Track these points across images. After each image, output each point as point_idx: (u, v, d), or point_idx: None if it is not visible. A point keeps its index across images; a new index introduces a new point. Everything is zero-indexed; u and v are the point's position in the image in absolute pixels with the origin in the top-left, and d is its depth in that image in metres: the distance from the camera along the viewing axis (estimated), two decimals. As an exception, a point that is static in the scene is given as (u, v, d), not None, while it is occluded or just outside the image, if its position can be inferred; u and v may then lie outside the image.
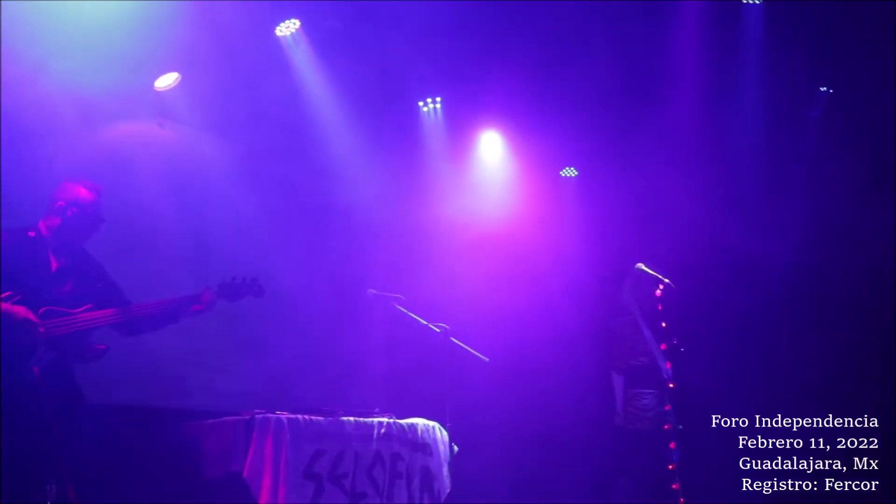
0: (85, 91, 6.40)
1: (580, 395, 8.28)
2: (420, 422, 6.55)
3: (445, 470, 6.47)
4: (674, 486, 6.15)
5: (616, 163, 9.14)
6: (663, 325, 6.42)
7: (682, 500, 6.11)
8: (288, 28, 7.58)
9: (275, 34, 7.59)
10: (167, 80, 7.08)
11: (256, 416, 5.72)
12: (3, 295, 4.76)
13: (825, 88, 8.81)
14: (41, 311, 4.80)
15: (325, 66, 7.78)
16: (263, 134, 7.65)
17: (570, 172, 9.75)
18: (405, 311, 6.28)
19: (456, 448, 6.49)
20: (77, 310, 4.93)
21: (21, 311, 4.75)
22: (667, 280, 6.48)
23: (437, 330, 6.42)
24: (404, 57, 7.81)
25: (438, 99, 8.94)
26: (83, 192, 5.15)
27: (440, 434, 6.59)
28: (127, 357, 6.63)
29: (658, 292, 6.51)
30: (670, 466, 6.22)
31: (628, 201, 9.07)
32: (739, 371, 8.41)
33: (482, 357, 6.59)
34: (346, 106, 8.03)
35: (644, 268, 6.62)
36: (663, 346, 6.40)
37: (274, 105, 7.54)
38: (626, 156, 9.01)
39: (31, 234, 5.03)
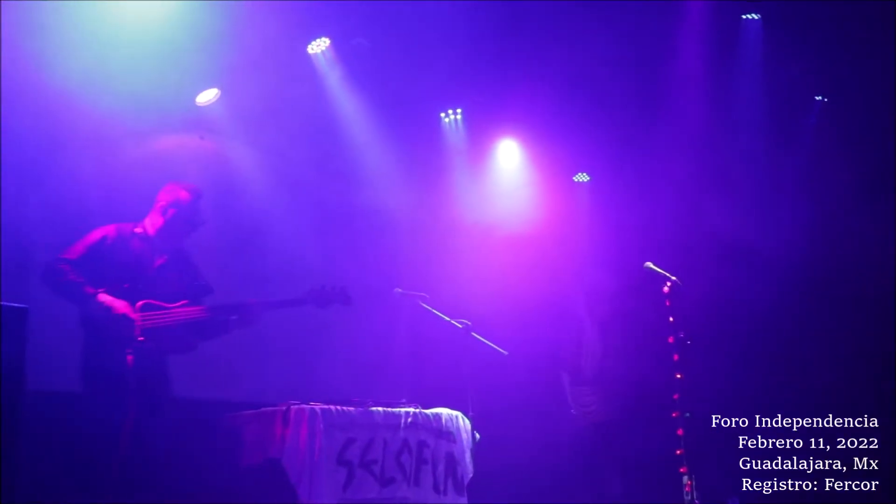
0: (134, 107, 6.49)
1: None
2: (444, 411, 6.54)
3: (468, 456, 6.47)
4: (681, 470, 6.15)
5: (626, 168, 9.13)
6: (671, 319, 6.42)
7: (689, 482, 6.10)
8: (319, 46, 7.66)
9: (307, 52, 7.66)
10: (208, 96, 7.17)
11: (292, 406, 5.77)
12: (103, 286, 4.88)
13: (820, 97, 8.80)
14: (141, 303, 4.90)
15: (353, 80, 7.84)
16: (296, 144, 7.71)
17: (582, 178, 9.75)
18: (429, 308, 6.32)
19: (478, 436, 6.49)
20: (173, 304, 5.03)
21: (121, 302, 4.84)
22: (674, 278, 6.49)
23: (460, 326, 6.46)
24: (427, 71, 7.88)
25: (459, 110, 8.98)
26: (182, 194, 5.30)
27: (463, 422, 6.58)
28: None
29: (666, 289, 6.51)
30: (678, 451, 6.22)
31: (638, 204, 9.06)
32: (740, 370, 8.39)
33: (502, 351, 6.62)
34: (373, 117, 8.09)
35: (652, 266, 6.63)
36: (671, 339, 6.40)
37: (305, 117, 7.62)
38: (636, 161, 9.01)
39: (138, 230, 5.16)
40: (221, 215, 7.30)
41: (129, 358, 4.79)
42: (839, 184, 8.63)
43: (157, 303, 5.00)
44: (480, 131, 9.06)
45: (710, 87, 8.65)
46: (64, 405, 5.71)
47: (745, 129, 8.87)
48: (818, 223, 8.57)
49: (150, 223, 5.28)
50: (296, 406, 5.78)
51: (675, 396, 6.25)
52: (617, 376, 7.69)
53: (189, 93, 7.07)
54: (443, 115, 9.01)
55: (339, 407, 5.94)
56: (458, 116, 9.00)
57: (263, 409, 5.96)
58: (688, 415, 6.20)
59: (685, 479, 6.10)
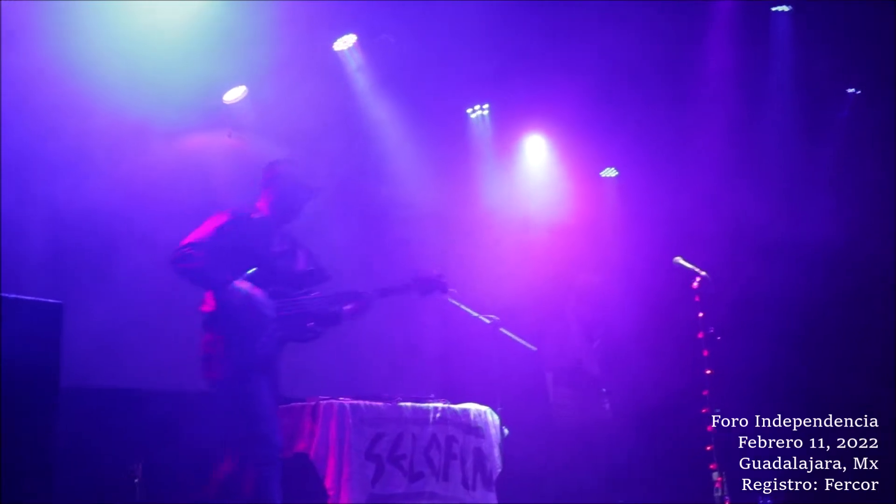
0: (161, 106, 6.58)
1: (623, 387, 8.25)
2: (472, 406, 6.57)
3: (496, 451, 6.49)
4: (711, 467, 6.16)
5: (654, 162, 9.11)
6: (700, 314, 6.42)
7: (719, 478, 6.11)
8: (345, 42, 7.69)
9: (332, 48, 7.70)
10: (235, 94, 7.22)
11: (321, 401, 5.83)
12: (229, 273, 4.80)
13: (853, 90, 8.74)
14: (269, 290, 4.85)
15: (379, 76, 7.88)
16: (322, 140, 7.74)
17: (610, 173, 9.76)
18: (458, 303, 6.35)
19: (506, 431, 6.51)
20: (296, 292, 5.02)
21: (258, 290, 4.77)
22: (703, 273, 6.50)
23: (488, 321, 6.47)
24: (453, 66, 7.89)
25: (486, 105, 8.99)
26: (279, 165, 5.22)
27: (491, 418, 6.60)
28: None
29: (695, 284, 6.53)
30: (708, 447, 6.23)
31: (667, 199, 9.05)
32: (766, 368, 8.38)
33: (530, 346, 6.64)
34: (400, 113, 8.14)
35: (682, 261, 6.64)
36: (700, 335, 6.40)
37: (332, 114, 7.64)
38: (664, 156, 8.98)
39: (255, 215, 5.08)
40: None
41: (263, 348, 4.83)
42: (872, 178, 8.56)
43: (283, 289, 4.95)
44: (507, 126, 9.06)
45: (740, 81, 8.61)
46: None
47: (776, 122, 8.81)
48: (849, 218, 8.50)
49: (263, 204, 5.16)
50: (325, 401, 5.84)
51: (705, 392, 6.26)
52: (595, 381, 7.72)
53: (217, 91, 7.15)
54: (469, 110, 9.02)
55: (368, 402, 6.00)
56: (486, 112, 9.01)
57: (292, 403, 6.02)
58: (718, 411, 6.21)
59: (715, 475, 6.11)
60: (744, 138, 8.84)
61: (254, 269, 4.87)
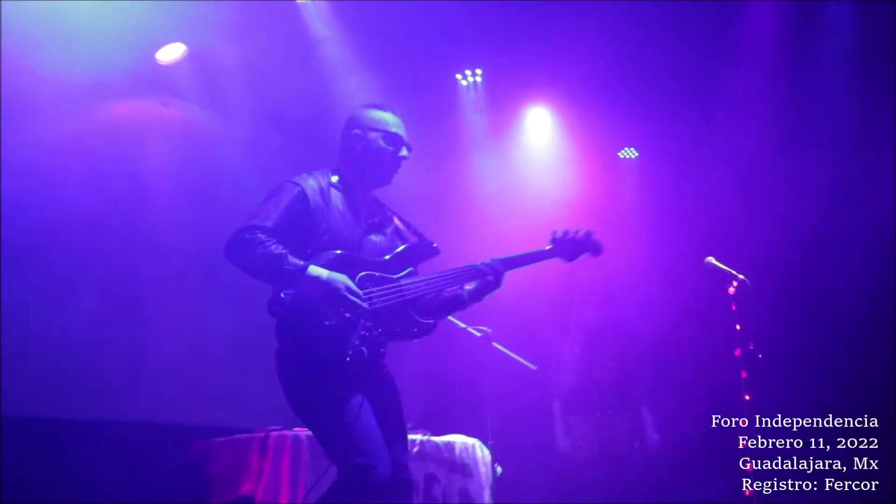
0: (85, 64, 6.47)
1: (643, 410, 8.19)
2: (458, 439, 6.57)
3: (487, 494, 6.46)
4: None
5: (681, 143, 9.07)
6: (738, 327, 6.27)
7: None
8: (312, -8, 7.60)
9: (293, 1, 7.60)
10: (172, 53, 7.09)
11: (272, 433, 5.75)
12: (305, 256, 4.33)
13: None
14: (359, 275, 4.37)
15: (350, 33, 7.77)
16: (280, 114, 7.68)
17: (629, 153, 9.67)
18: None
19: (499, 469, 6.47)
20: (397, 274, 4.52)
21: (340, 276, 4.28)
22: (741, 276, 6.31)
23: (478, 334, 6.42)
24: (440, 22, 7.79)
25: (479, 71, 8.93)
26: (365, 117, 4.69)
27: (481, 453, 6.59)
28: (131, 365, 6.81)
29: (732, 290, 6.36)
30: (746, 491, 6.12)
31: (695, 186, 8.99)
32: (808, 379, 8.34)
33: (529, 365, 6.59)
34: (374, 79, 7.98)
35: (715, 262, 6.46)
36: (738, 352, 6.27)
37: (292, 80, 7.54)
38: (693, 136, 8.97)
39: (334, 178, 4.62)
40: (188, 196, 7.41)
41: (356, 351, 4.23)
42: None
43: (379, 274, 4.45)
44: (505, 96, 9.02)
45: (782, 53, 8.56)
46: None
47: (823, 100, 8.75)
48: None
49: (344, 167, 4.66)
50: (276, 431, 5.76)
51: (744, 423, 6.17)
52: (615, 397, 7.60)
53: (149, 48, 7.03)
54: (459, 76, 8.99)
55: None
56: (479, 78, 8.97)
57: (237, 435, 5.96)
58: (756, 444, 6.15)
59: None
60: (789, 121, 8.76)
61: (338, 253, 4.39)
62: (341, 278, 4.24)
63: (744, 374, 6.28)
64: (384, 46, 7.89)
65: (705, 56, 8.51)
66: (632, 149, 9.71)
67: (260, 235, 4.24)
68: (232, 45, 7.12)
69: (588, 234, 4.88)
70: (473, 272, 4.61)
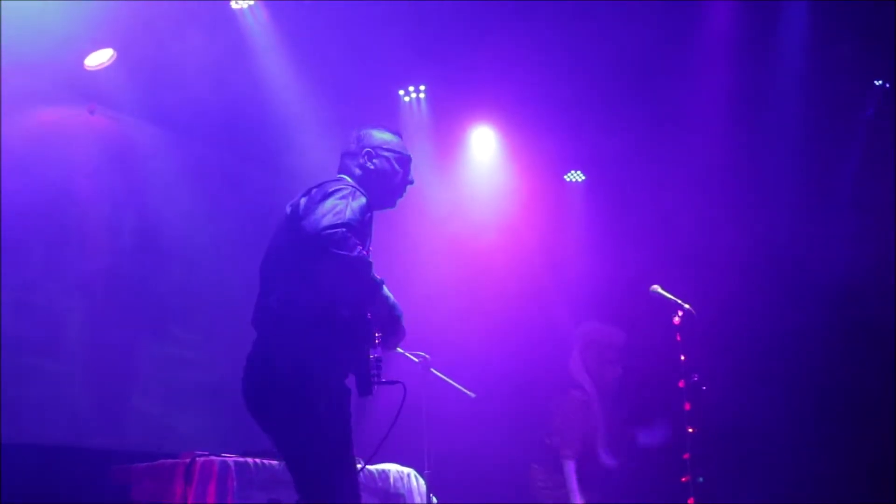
0: (5, 70, 6.40)
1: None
2: (393, 468, 6.55)
3: None
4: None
5: (632, 167, 9.13)
6: (682, 358, 6.37)
7: None
8: (244, 1, 7.54)
9: (230, 7, 7.56)
10: (100, 58, 7.06)
11: (198, 458, 5.68)
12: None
13: (881, 82, 8.79)
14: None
15: (288, 44, 7.77)
16: (214, 125, 7.68)
17: (576, 177, 9.74)
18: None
19: (435, 500, 6.48)
20: None
21: (399, 308, 4.27)
22: (687, 306, 6.43)
23: (416, 359, 6.41)
24: (382, 36, 7.76)
25: (423, 87, 8.98)
26: (393, 139, 4.67)
27: (416, 482, 6.59)
28: (47, 386, 6.75)
29: (677, 319, 6.47)
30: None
31: (645, 212, 9.05)
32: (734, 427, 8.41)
33: (469, 393, 6.60)
34: (312, 91, 8.03)
35: (660, 290, 6.58)
36: (682, 384, 6.36)
37: (227, 90, 7.54)
38: (643, 158, 9.01)
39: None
40: (116, 208, 7.44)
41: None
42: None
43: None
44: (449, 115, 9.04)
45: (740, 70, 8.63)
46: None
47: (782, 119, 8.85)
48: (876, 237, 8.57)
49: (356, 182, 4.51)
50: (202, 458, 5.69)
51: (686, 456, 6.22)
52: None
53: (76, 53, 6.98)
54: (402, 92, 9.02)
55: (258, 460, 5.86)
56: (422, 95, 9.02)
57: (161, 461, 5.89)
58: (701, 480, 6.17)
59: None
60: (744, 140, 8.85)
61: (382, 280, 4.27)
62: (399, 309, 4.25)
63: (687, 406, 6.37)
64: (324, 56, 7.87)
65: (657, 76, 8.57)
66: (578, 172, 9.77)
67: (354, 237, 4.04)
68: (163, 52, 7.08)
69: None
70: None
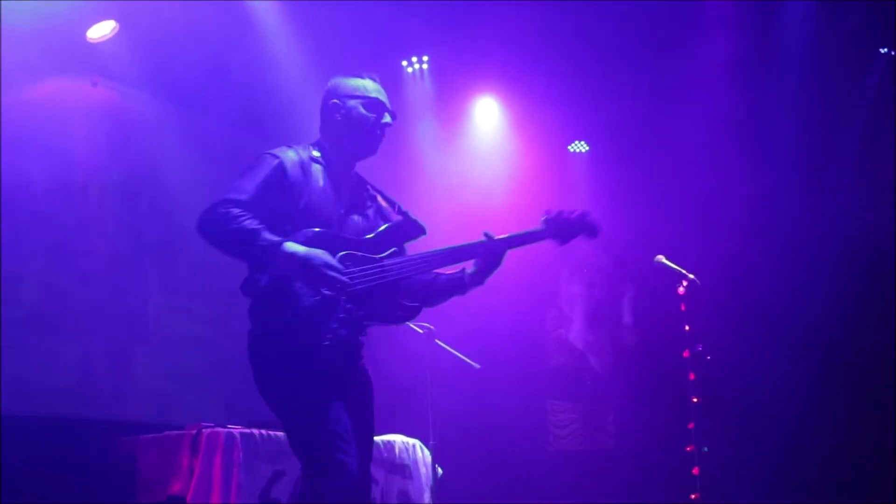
0: (7, 43, 6.36)
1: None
2: (398, 439, 6.56)
3: (427, 496, 6.47)
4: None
5: (635, 137, 9.11)
6: (686, 328, 6.40)
7: None
8: (248, -32, 7.55)
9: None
10: (102, 30, 7.03)
11: (204, 429, 5.71)
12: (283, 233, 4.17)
13: (885, 50, 8.77)
14: (339, 255, 4.21)
15: (292, 15, 7.75)
16: (216, 97, 7.64)
17: (580, 147, 9.72)
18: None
19: (440, 470, 6.51)
20: (380, 254, 4.36)
21: (319, 252, 4.14)
22: (691, 276, 6.46)
23: (420, 331, 6.44)
24: (385, 6, 7.77)
25: (426, 58, 8.96)
26: (342, 86, 4.55)
27: (421, 453, 6.60)
28: (55, 360, 6.78)
29: (681, 289, 6.50)
30: (693, 496, 6.22)
31: (649, 182, 9.03)
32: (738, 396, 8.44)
33: (473, 363, 6.60)
34: (314, 62, 7.96)
35: (665, 261, 6.60)
36: (686, 354, 6.40)
37: (229, 62, 7.53)
38: (648, 129, 8.99)
39: (316, 152, 4.49)
40: (119, 180, 7.43)
41: (333, 334, 4.08)
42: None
43: (362, 253, 4.29)
44: (452, 86, 9.03)
45: (744, 40, 8.61)
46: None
47: (787, 90, 8.83)
48: (875, 208, 8.55)
49: (324, 140, 4.55)
50: (208, 429, 5.72)
51: (691, 426, 6.25)
52: (606, 391, 7.60)
53: (79, 25, 6.95)
54: (405, 63, 9.00)
55: (264, 431, 5.87)
56: (425, 66, 8.99)
57: (167, 432, 5.90)
58: (705, 450, 6.20)
59: None
60: (747, 111, 8.84)
61: (316, 230, 4.25)
62: (320, 254, 4.12)
63: (692, 377, 6.41)
64: (326, 29, 7.85)
65: (661, 50, 8.54)
66: (582, 142, 9.75)
67: (234, 210, 4.10)
68: (166, 24, 7.04)
69: (583, 216, 4.74)
70: (468, 251, 4.49)
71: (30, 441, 6.31)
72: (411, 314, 4.37)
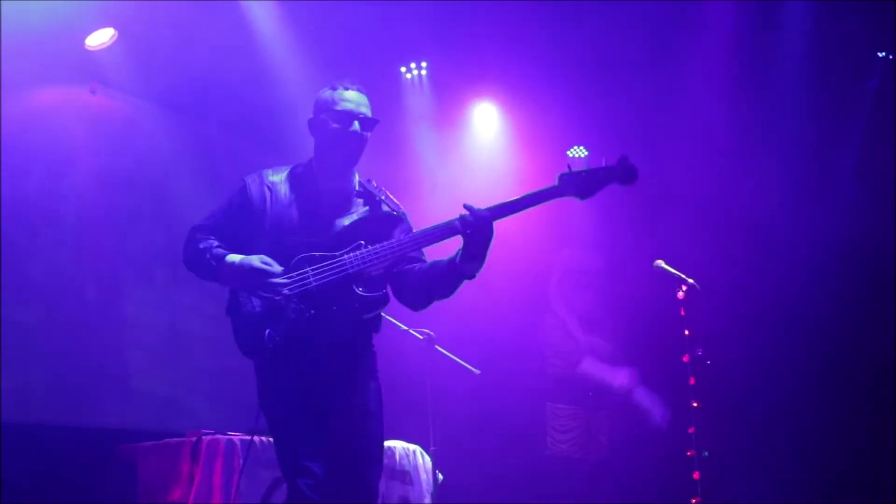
0: (10, 49, 6.41)
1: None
2: (398, 445, 6.57)
3: (428, 501, 6.47)
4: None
5: (634, 141, 9.08)
6: (686, 333, 6.42)
7: None
8: (249, -24, 7.55)
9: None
10: (101, 38, 7.06)
11: (204, 436, 5.73)
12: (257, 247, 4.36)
13: (884, 54, 8.79)
14: (295, 258, 4.25)
15: (290, 22, 7.73)
16: (217, 104, 7.72)
17: (579, 152, 9.73)
18: (383, 313, 6.24)
19: (441, 476, 6.51)
20: (341, 250, 4.31)
21: (254, 258, 4.26)
22: (691, 280, 6.48)
23: (420, 336, 6.46)
24: (384, 12, 7.75)
25: (424, 64, 8.96)
26: (319, 97, 4.63)
27: (422, 459, 6.61)
28: (54, 367, 6.79)
29: (681, 294, 6.52)
30: (694, 500, 6.23)
31: (648, 186, 8.97)
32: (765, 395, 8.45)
33: (473, 369, 6.62)
34: (313, 72, 7.92)
35: (664, 265, 6.62)
36: (686, 358, 6.41)
37: (228, 70, 7.56)
38: (647, 133, 8.97)
39: (298, 168, 4.60)
40: (118, 187, 7.46)
41: (273, 337, 4.14)
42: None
43: (321, 253, 4.29)
44: (451, 91, 9.04)
45: (744, 44, 8.62)
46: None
47: (787, 93, 8.82)
48: (876, 212, 8.55)
49: (314, 150, 4.63)
50: (209, 436, 5.74)
51: (691, 430, 6.26)
52: (606, 395, 7.58)
53: (78, 33, 6.98)
54: (403, 69, 9.00)
55: (264, 438, 5.86)
56: (424, 72, 9.00)
57: (167, 439, 5.93)
58: (706, 454, 6.21)
59: None
60: (749, 112, 8.82)
61: (274, 241, 4.36)
62: (253, 259, 4.26)
63: (692, 381, 6.42)
64: (325, 34, 7.86)
65: (661, 53, 8.53)
66: (581, 147, 9.74)
67: (198, 235, 4.43)
68: (165, 31, 7.07)
69: (620, 160, 4.45)
70: (444, 231, 4.28)
71: (29, 449, 6.32)
72: (373, 304, 4.34)
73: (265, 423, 4.34)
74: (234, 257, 4.29)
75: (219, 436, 5.76)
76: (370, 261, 4.26)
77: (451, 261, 4.30)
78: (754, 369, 8.42)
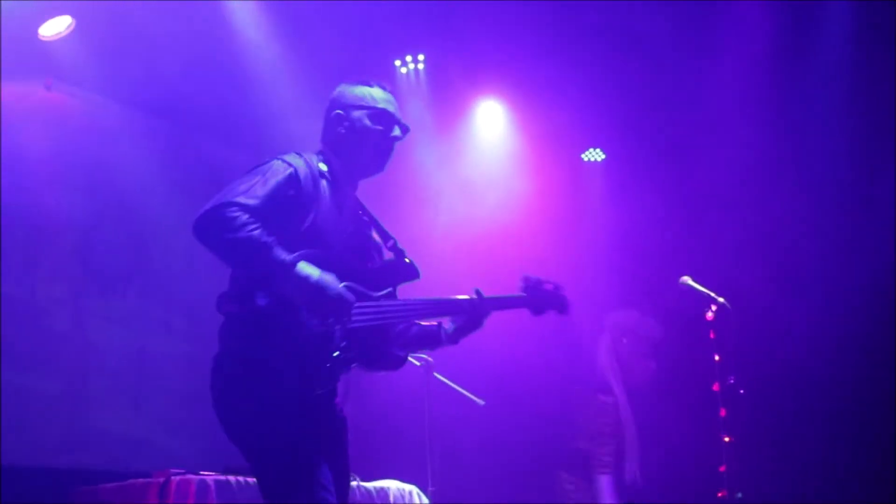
0: None
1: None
2: (393, 485, 6.57)
3: None
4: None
5: (656, 144, 9.12)
6: (716, 358, 6.33)
7: None
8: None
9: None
10: (57, 27, 7.04)
11: (173, 476, 5.71)
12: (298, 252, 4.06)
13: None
14: (342, 285, 4.12)
15: (271, 11, 7.77)
16: (186, 99, 7.67)
17: (595, 156, 9.72)
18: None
19: None
20: (378, 291, 4.32)
21: (333, 280, 4.06)
22: (721, 299, 6.40)
23: (418, 363, 6.47)
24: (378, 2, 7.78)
25: (421, 57, 9.01)
26: (350, 94, 4.54)
27: (419, 500, 6.62)
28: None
29: (710, 314, 6.44)
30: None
31: (672, 195, 9.03)
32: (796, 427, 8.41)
33: (477, 400, 6.64)
34: (296, 63, 8.03)
35: (691, 282, 6.54)
36: (716, 387, 6.33)
37: (201, 62, 7.53)
38: (670, 135, 9.01)
39: (323, 165, 4.43)
40: (76, 194, 7.48)
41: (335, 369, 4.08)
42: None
43: (363, 288, 4.24)
44: (451, 88, 9.06)
45: (772, 49, 8.63)
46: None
47: (821, 101, 8.85)
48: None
49: (328, 151, 4.50)
50: (178, 476, 5.73)
51: (722, 469, 6.20)
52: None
53: (31, 22, 6.95)
54: (398, 62, 9.06)
55: (241, 478, 5.89)
56: (420, 65, 9.04)
57: (131, 480, 5.94)
58: (739, 495, 6.15)
59: None
60: (780, 115, 8.83)
61: (321, 254, 4.16)
62: (332, 281, 4.05)
63: (723, 413, 6.34)
64: (311, 24, 7.87)
65: (685, 50, 8.55)
66: (598, 150, 9.75)
67: (243, 216, 3.99)
68: (129, 20, 7.07)
69: (556, 289, 4.91)
70: (454, 305, 4.58)
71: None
72: (396, 364, 4.39)
73: (249, 460, 4.17)
74: (309, 269, 4.01)
75: (190, 476, 5.73)
76: (402, 315, 4.41)
77: (435, 332, 4.65)
78: (795, 399, 8.41)
